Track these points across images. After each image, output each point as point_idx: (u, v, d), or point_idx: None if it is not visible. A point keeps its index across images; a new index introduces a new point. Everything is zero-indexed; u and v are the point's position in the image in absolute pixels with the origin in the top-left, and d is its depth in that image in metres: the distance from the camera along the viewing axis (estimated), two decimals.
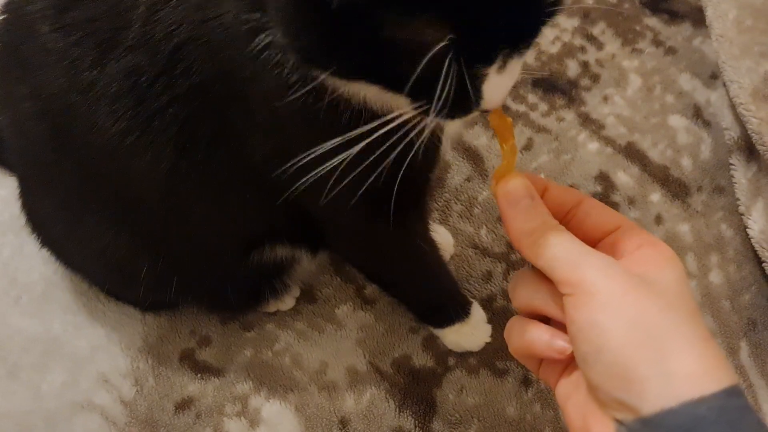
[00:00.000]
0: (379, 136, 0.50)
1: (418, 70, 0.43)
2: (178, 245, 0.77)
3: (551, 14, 0.45)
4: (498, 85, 0.46)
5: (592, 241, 0.50)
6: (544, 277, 0.49)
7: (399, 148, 0.52)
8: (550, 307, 0.49)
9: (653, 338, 0.43)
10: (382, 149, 0.52)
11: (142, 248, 0.77)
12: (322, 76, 0.50)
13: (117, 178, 0.69)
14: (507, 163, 0.53)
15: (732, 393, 0.42)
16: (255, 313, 0.95)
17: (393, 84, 0.47)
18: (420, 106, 0.47)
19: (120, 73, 0.61)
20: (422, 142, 0.53)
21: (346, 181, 0.59)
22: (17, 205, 0.86)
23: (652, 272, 0.46)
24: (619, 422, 0.44)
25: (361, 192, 0.60)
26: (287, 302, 0.94)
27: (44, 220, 0.85)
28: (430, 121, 0.49)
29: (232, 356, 0.93)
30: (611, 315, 0.44)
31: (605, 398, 0.44)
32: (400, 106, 0.49)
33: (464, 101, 0.46)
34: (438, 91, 0.43)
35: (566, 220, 0.52)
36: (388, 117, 0.49)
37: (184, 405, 0.89)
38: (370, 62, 0.46)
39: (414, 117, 0.49)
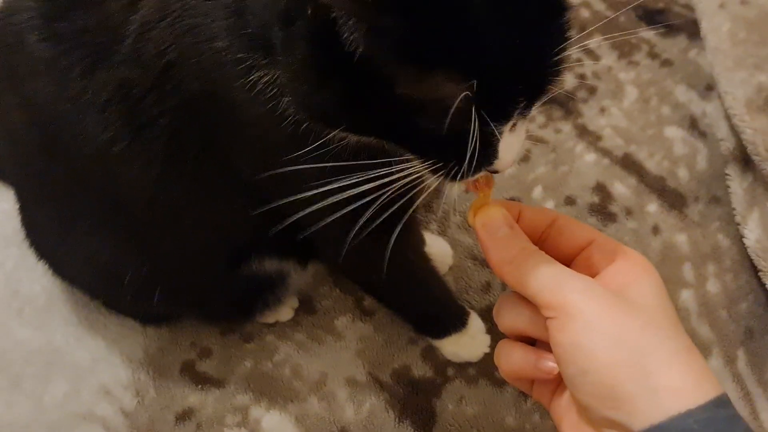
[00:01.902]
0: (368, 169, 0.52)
1: (446, 124, 0.44)
2: (162, 253, 0.78)
3: (558, 72, 0.46)
4: (511, 144, 0.47)
5: (568, 258, 0.51)
6: (526, 300, 0.49)
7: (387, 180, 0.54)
8: (534, 328, 0.50)
9: (637, 356, 0.43)
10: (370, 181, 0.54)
11: (126, 255, 0.78)
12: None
13: (103, 184, 0.70)
14: (482, 195, 0.54)
15: (718, 404, 0.42)
16: (254, 325, 0.95)
17: (407, 143, 0.48)
18: (430, 166, 0.48)
19: (110, 83, 0.62)
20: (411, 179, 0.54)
21: (331, 202, 0.61)
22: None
23: (630, 286, 0.47)
24: None
25: (346, 211, 0.62)
26: (286, 313, 0.95)
27: (39, 231, 0.86)
28: (441, 181, 0.50)
29: (233, 367, 0.93)
30: (594, 336, 0.44)
31: (595, 418, 0.45)
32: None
33: (478, 161, 0.47)
34: (469, 149, 0.45)
35: (541, 239, 0.53)
36: (391, 168, 0.51)
37: (184, 416, 0.90)
38: (385, 123, 0.47)
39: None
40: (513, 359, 0.51)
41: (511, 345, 0.52)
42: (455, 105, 0.43)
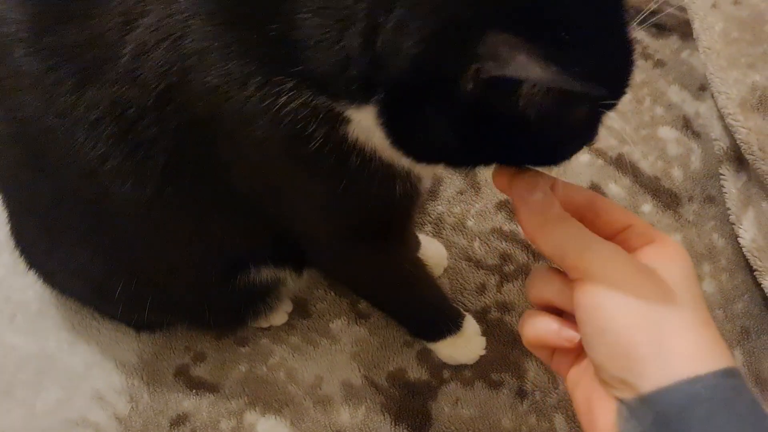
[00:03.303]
0: (382, 180, 0.59)
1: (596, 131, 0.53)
2: (154, 267, 0.78)
3: None
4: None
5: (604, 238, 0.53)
6: (557, 272, 0.52)
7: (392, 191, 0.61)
8: (562, 298, 0.51)
9: (653, 321, 0.45)
10: (377, 191, 0.61)
11: (116, 269, 0.78)
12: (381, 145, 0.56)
13: (93, 199, 0.70)
14: None
15: (728, 374, 0.43)
16: (249, 329, 0.95)
17: (526, 158, 0.53)
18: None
19: (103, 101, 0.61)
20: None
21: (333, 213, 0.66)
22: None
23: (661, 264, 0.48)
24: (620, 401, 0.46)
25: (346, 221, 0.66)
26: (280, 317, 0.95)
27: (28, 241, 0.85)
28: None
29: (227, 372, 0.93)
30: (615, 299, 0.46)
31: (608, 377, 0.47)
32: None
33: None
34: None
35: (577, 217, 0.53)
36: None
37: (179, 421, 0.89)
38: (511, 151, 0.52)
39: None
40: (537, 327, 0.53)
41: (536, 314, 0.54)
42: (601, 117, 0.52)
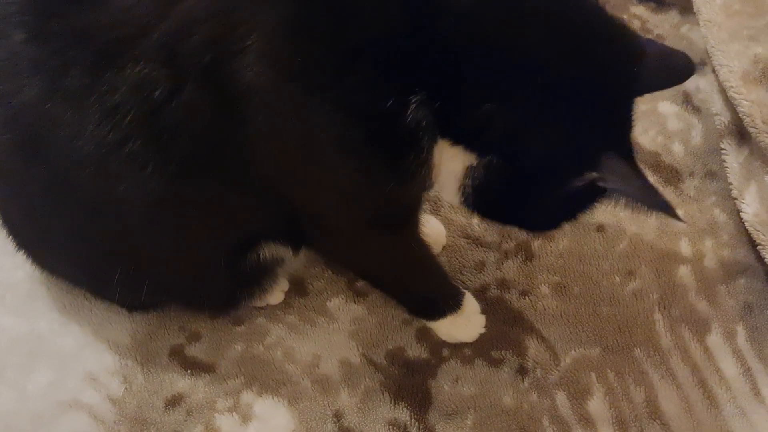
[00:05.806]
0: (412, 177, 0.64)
1: None
2: (160, 250, 0.76)
3: None
4: None
5: None
6: None
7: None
8: None
9: None
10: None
11: (117, 254, 0.76)
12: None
13: (96, 186, 0.68)
14: None
15: None
16: (244, 308, 0.93)
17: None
18: None
19: (125, 84, 0.60)
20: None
21: (363, 204, 0.68)
22: None
23: None
24: None
25: (373, 211, 0.68)
26: (276, 296, 0.93)
27: (17, 223, 0.84)
28: None
29: (223, 351, 0.91)
30: None
31: None
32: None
33: None
34: None
35: None
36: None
37: (174, 402, 0.88)
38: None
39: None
40: None
41: None
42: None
